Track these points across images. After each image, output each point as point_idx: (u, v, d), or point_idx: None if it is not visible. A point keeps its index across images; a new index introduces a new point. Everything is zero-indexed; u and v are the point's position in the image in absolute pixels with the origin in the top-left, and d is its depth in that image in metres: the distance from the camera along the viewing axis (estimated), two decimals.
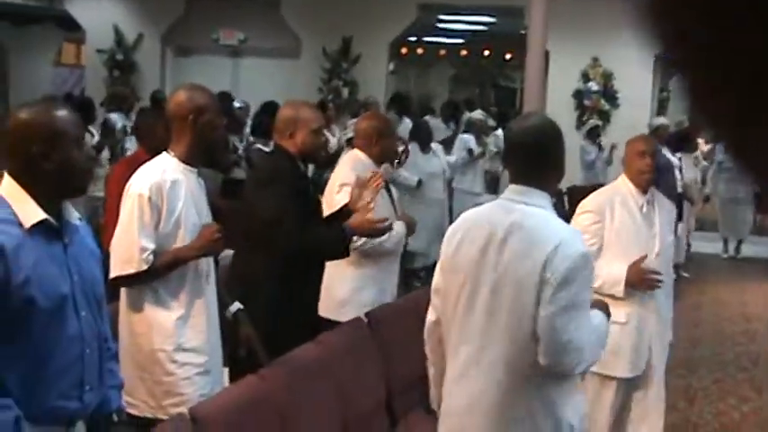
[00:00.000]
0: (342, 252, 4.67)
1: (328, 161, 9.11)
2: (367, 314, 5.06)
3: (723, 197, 13.71)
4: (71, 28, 17.34)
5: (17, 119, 2.94)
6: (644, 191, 4.92)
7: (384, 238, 5.11)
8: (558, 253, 3.06)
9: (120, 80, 16.07)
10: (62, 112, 2.99)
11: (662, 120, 12.65)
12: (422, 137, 10.32)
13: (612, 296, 4.59)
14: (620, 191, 4.91)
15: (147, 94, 14.59)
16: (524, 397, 3.16)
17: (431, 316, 3.50)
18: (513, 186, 3.29)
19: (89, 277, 3.03)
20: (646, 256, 4.73)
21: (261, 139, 10.68)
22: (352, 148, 5.91)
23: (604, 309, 3.46)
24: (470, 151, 11.46)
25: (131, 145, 10.10)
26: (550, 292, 3.05)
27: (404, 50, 21.05)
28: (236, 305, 4.25)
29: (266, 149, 9.88)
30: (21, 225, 2.85)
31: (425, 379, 5.28)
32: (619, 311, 4.60)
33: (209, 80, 13.68)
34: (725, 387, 7.40)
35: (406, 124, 13.49)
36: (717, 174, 13.88)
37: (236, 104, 11.81)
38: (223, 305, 4.19)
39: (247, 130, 11.31)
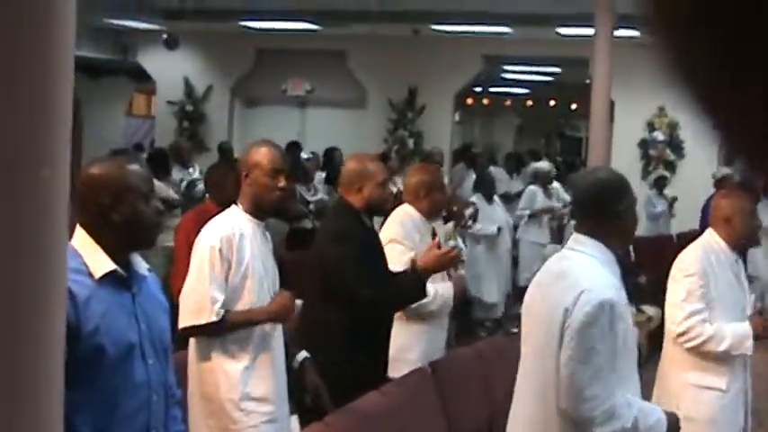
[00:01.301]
0: (421, 294, 4.63)
1: None
2: (431, 364, 5.08)
3: None
4: (142, 80, 17.73)
5: (89, 172, 3.06)
6: (735, 248, 4.75)
7: (429, 299, 4.97)
8: (580, 299, 3.13)
9: (189, 131, 16.37)
10: (132, 167, 3.11)
11: (726, 170, 12.54)
12: (485, 189, 10.36)
13: (709, 359, 4.56)
14: (712, 248, 4.71)
15: (215, 145, 14.87)
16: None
17: None
18: (575, 236, 3.41)
19: (156, 326, 3.12)
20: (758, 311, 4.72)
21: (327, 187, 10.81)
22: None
23: (671, 419, 3.39)
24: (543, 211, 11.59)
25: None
26: (569, 337, 3.13)
27: (469, 101, 21.13)
28: (303, 354, 4.31)
29: (325, 197, 10.02)
30: (91, 275, 2.95)
31: (488, 428, 5.32)
32: (718, 378, 4.59)
33: (276, 131, 13.96)
34: None
35: (472, 176, 13.55)
36: None
37: (304, 155, 11.95)
38: (290, 354, 4.25)
39: (316, 179, 11.39)
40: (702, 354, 4.57)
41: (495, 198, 10.55)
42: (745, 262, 10.02)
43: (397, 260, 4.91)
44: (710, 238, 4.76)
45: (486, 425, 5.30)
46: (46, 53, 2.17)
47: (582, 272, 3.26)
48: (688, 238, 11.48)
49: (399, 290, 4.62)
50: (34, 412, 2.22)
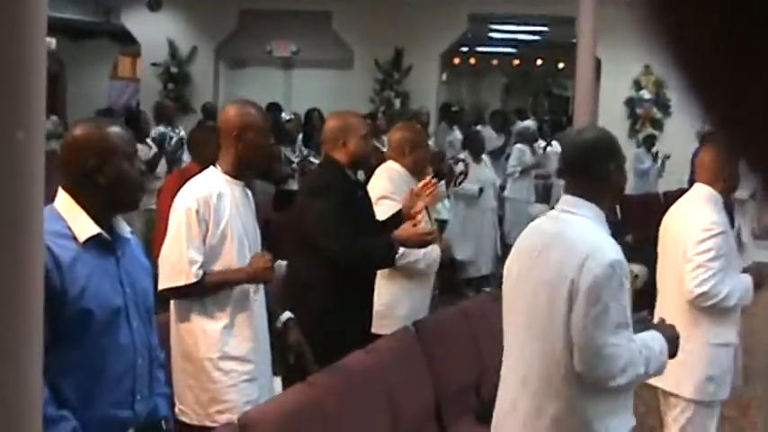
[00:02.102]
0: (390, 262, 4.72)
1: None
2: (415, 323, 5.10)
3: None
4: (126, 42, 17.63)
5: (71, 135, 3.03)
6: (728, 198, 4.84)
7: (419, 256, 5.16)
8: (587, 262, 3.10)
9: (174, 93, 16.29)
10: (114, 129, 3.08)
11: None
12: (474, 147, 10.36)
13: (722, 316, 4.60)
14: (718, 202, 4.72)
15: (200, 106, 14.81)
16: (556, 410, 3.19)
17: None
18: (564, 197, 3.37)
19: (140, 289, 3.11)
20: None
21: (312, 150, 10.79)
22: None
23: (670, 336, 3.40)
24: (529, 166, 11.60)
25: (187, 157, 10.22)
26: (581, 300, 3.09)
27: (456, 61, 21.08)
28: (287, 314, 4.31)
29: (315, 161, 10.00)
30: (75, 239, 2.93)
31: (474, 387, 5.34)
32: (730, 331, 4.67)
33: (261, 92, 13.93)
34: None
35: (456, 134, 13.54)
36: None
37: (285, 116, 11.90)
38: (274, 315, 4.25)
39: (299, 142, 11.38)
40: (717, 310, 4.58)
41: (483, 157, 10.54)
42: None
43: (389, 215, 5.01)
44: (707, 192, 4.74)
45: (473, 383, 5.32)
46: (19, 15, 2.14)
47: (581, 236, 3.23)
48: (675, 196, 11.53)
49: (370, 250, 4.65)
50: (15, 377, 2.22)
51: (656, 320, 4.11)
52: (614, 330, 3.10)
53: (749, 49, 0.52)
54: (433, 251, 5.39)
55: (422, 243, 4.76)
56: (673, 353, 3.34)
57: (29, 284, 2.24)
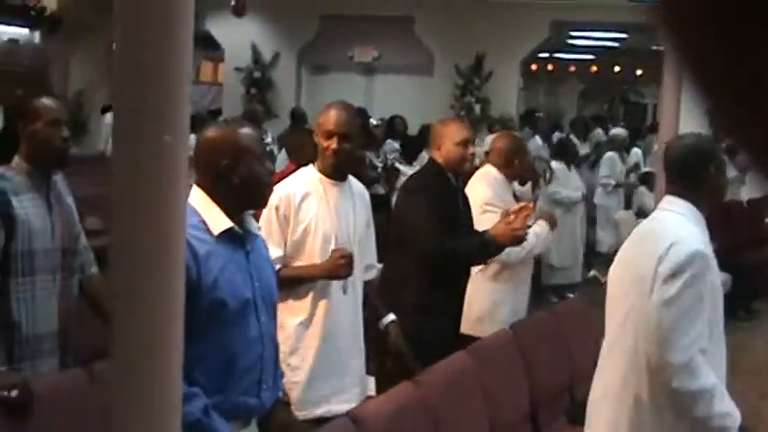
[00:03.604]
0: (483, 259, 4.79)
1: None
2: (512, 326, 5.18)
3: None
4: (210, 47, 17.89)
5: (206, 137, 3.17)
6: None
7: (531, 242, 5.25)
8: (672, 249, 3.23)
9: (256, 97, 16.50)
10: (246, 130, 3.21)
11: None
12: (567, 155, 10.39)
13: None
14: None
15: (283, 111, 14.99)
16: (648, 394, 3.31)
17: None
18: (665, 197, 3.51)
19: (266, 283, 3.24)
20: None
21: (399, 157, 10.85)
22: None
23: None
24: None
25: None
26: (658, 284, 3.22)
27: (534, 67, 21.06)
28: (390, 317, 4.39)
29: (400, 167, 10.09)
30: (210, 232, 3.07)
31: (568, 390, 5.40)
32: None
33: (343, 97, 13.84)
34: None
35: (537, 141, 13.55)
36: None
37: (373, 122, 12.01)
38: (377, 316, 4.34)
39: (389, 146, 11.39)
40: None
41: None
42: None
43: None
44: None
45: (567, 386, 5.38)
46: (168, 29, 2.30)
47: (671, 226, 3.37)
48: (760, 203, 11.43)
49: (465, 246, 4.73)
50: (154, 366, 2.34)
51: None
52: (682, 322, 3.18)
53: (752, 49, 0.53)
54: (541, 230, 5.55)
55: (515, 240, 4.80)
56: None
57: (173, 276, 2.37)
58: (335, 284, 4.08)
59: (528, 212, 4.84)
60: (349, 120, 4.16)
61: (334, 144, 4.08)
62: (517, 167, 5.70)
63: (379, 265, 5.07)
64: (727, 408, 3.28)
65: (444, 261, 4.64)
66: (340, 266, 3.98)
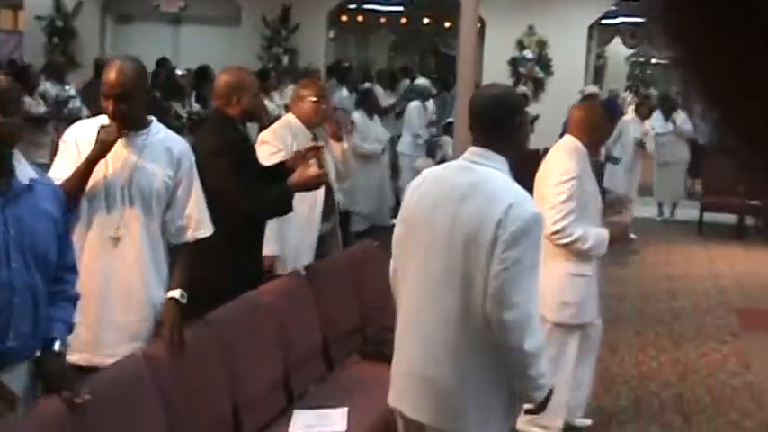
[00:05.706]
0: (288, 209, 4.87)
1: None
2: (306, 267, 5.36)
3: (658, 162, 13.76)
4: None
5: None
6: (596, 152, 5.25)
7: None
8: (511, 213, 3.22)
9: (59, 47, 16.08)
10: None
11: (593, 88, 13.03)
12: (369, 106, 10.58)
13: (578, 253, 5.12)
14: (582, 153, 5.16)
15: (87, 62, 14.68)
16: (472, 356, 3.30)
17: (392, 265, 3.62)
18: (473, 149, 3.48)
19: (30, 233, 3.24)
20: (627, 220, 5.10)
21: (198, 104, 10.88)
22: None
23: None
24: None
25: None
26: (501, 249, 3.20)
27: (344, 18, 21.19)
28: (175, 293, 4.09)
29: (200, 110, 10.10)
30: None
31: (360, 329, 5.64)
32: (585, 265, 5.19)
33: (149, 48, 13.88)
34: (645, 340, 7.82)
35: (343, 92, 13.73)
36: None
37: (179, 72, 11.94)
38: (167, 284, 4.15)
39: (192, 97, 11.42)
40: (570, 249, 5.10)
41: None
42: (603, 176, 10.61)
43: (266, 158, 5.24)
44: (575, 143, 5.20)
45: (358, 322, 5.63)
46: None
47: (502, 186, 3.36)
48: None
49: (269, 202, 4.83)
50: None
51: None
52: (520, 283, 3.20)
53: (749, 48, 0.53)
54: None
55: (318, 184, 4.94)
56: None
57: None
58: (106, 240, 4.01)
59: (317, 154, 4.95)
60: (125, 80, 4.01)
61: (110, 106, 4.02)
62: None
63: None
64: (546, 367, 3.37)
65: (255, 218, 4.80)
66: (108, 135, 3.91)
